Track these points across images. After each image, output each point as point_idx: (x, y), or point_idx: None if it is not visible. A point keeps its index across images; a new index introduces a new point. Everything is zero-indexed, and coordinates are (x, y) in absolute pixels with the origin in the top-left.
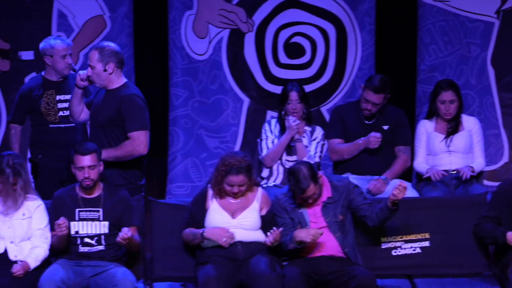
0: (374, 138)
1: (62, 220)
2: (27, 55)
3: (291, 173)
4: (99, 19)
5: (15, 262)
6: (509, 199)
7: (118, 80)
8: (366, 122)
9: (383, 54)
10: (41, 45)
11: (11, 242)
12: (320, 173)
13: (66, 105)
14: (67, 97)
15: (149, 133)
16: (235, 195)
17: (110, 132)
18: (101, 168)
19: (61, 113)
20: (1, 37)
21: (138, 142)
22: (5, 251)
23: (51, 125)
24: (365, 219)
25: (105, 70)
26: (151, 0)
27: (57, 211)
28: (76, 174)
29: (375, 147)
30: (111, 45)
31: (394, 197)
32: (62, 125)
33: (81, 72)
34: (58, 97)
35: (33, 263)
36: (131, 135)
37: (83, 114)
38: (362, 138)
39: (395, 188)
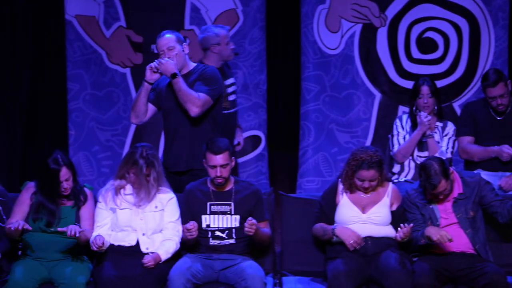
0: (507, 155)
1: (191, 225)
2: None
3: (422, 169)
4: (232, 13)
5: (147, 254)
6: None
7: (190, 62)
8: (498, 118)
9: None
10: (203, 34)
11: (143, 234)
12: (452, 169)
13: (232, 89)
14: (230, 81)
15: (211, 104)
16: (365, 190)
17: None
18: (233, 164)
19: (230, 98)
20: (134, 31)
21: (199, 102)
22: (137, 243)
23: (224, 111)
24: (496, 215)
25: (183, 51)
26: None
27: (189, 204)
28: (208, 171)
29: (507, 160)
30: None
31: None
32: (232, 110)
33: (152, 64)
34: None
35: (164, 255)
36: (199, 94)
37: (149, 112)
38: (496, 146)
39: None
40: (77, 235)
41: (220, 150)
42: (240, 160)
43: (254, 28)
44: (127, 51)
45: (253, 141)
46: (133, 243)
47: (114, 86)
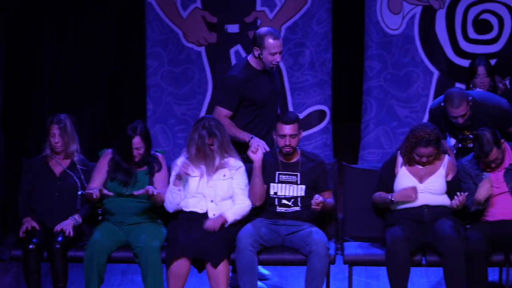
0: None
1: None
2: (232, 28)
3: (475, 138)
4: None
5: None
6: None
7: None
8: None
9: None
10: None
11: (211, 201)
12: (503, 140)
13: None
14: None
15: None
16: (423, 164)
17: None
18: (301, 136)
19: None
20: (209, 12)
21: None
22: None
23: None
24: None
25: None
26: None
27: None
28: (277, 140)
29: None
30: None
31: None
32: None
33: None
34: None
35: (231, 216)
36: None
37: None
38: None
39: None
40: (155, 193)
41: (290, 121)
42: (307, 133)
43: (321, 9)
44: (202, 31)
45: (319, 115)
46: (204, 209)
47: (189, 63)
